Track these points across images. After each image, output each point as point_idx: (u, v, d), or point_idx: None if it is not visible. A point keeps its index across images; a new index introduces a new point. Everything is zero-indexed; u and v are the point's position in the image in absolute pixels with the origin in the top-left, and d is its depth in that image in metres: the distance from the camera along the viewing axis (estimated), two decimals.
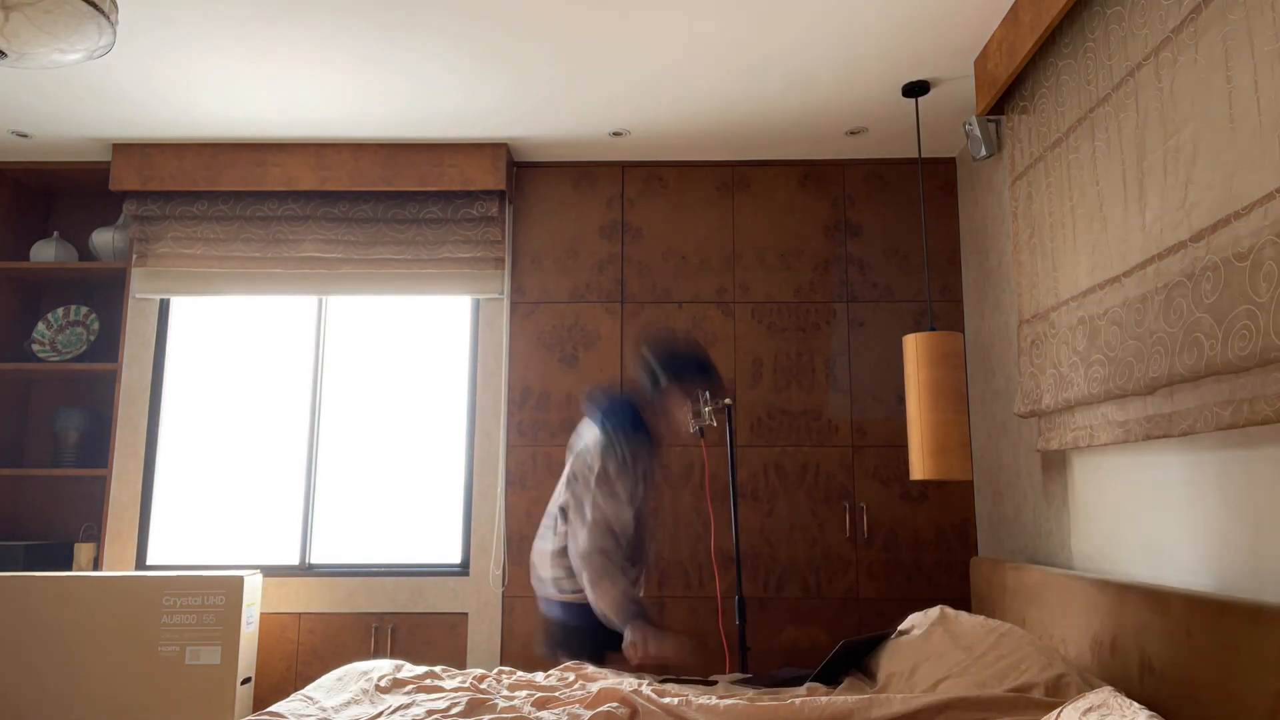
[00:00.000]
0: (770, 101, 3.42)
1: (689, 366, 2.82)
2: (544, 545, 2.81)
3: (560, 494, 2.84)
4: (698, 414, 3.05)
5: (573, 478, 2.76)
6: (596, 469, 2.68)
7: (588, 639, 2.71)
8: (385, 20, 2.87)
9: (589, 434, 2.81)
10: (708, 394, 3.14)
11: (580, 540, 2.64)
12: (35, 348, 3.90)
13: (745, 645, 2.99)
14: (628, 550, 2.71)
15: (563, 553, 2.73)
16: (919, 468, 2.93)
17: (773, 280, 3.91)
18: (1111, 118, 2.35)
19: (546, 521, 2.85)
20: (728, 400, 3.15)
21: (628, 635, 2.56)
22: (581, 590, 2.67)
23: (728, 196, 3.98)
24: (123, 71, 3.19)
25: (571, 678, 2.46)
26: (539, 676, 2.52)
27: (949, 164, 3.95)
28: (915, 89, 3.29)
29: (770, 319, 3.89)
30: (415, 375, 3.99)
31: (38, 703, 3.31)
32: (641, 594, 2.85)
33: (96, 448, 3.99)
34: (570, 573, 2.71)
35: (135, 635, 3.34)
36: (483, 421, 3.84)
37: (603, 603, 2.59)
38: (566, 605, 2.73)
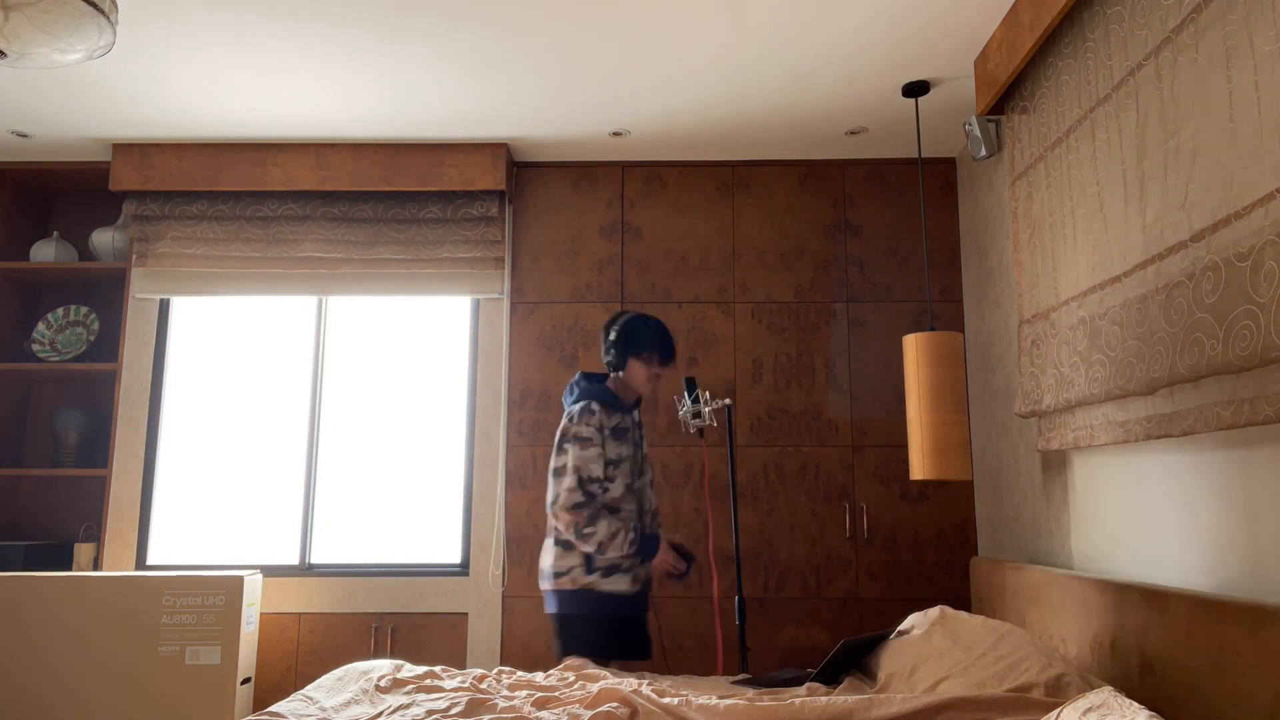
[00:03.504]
0: (770, 101, 3.42)
1: (637, 335, 2.91)
2: (546, 539, 2.91)
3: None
4: (696, 411, 3.05)
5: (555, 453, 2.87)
6: (571, 430, 2.78)
7: (585, 627, 2.74)
8: (385, 22, 2.86)
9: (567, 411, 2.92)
10: (706, 394, 3.14)
11: (553, 491, 2.76)
12: (35, 348, 3.90)
13: (745, 645, 2.99)
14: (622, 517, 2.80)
15: (555, 542, 2.82)
16: (919, 468, 2.93)
17: (773, 280, 3.91)
18: (1112, 118, 2.35)
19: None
20: (727, 400, 3.15)
21: (662, 556, 2.77)
22: (571, 572, 2.74)
23: (728, 196, 3.98)
24: (123, 71, 3.19)
25: (571, 678, 2.46)
26: (539, 676, 2.52)
27: (949, 164, 3.95)
28: (915, 89, 3.29)
29: (770, 319, 3.89)
30: (415, 375, 3.99)
31: (38, 703, 3.31)
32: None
33: (96, 448, 3.99)
34: (558, 556, 2.78)
35: (135, 635, 3.34)
36: (483, 421, 3.84)
37: (592, 544, 2.71)
38: (559, 593, 2.78)
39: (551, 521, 2.82)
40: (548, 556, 2.82)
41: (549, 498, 2.79)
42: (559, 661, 2.78)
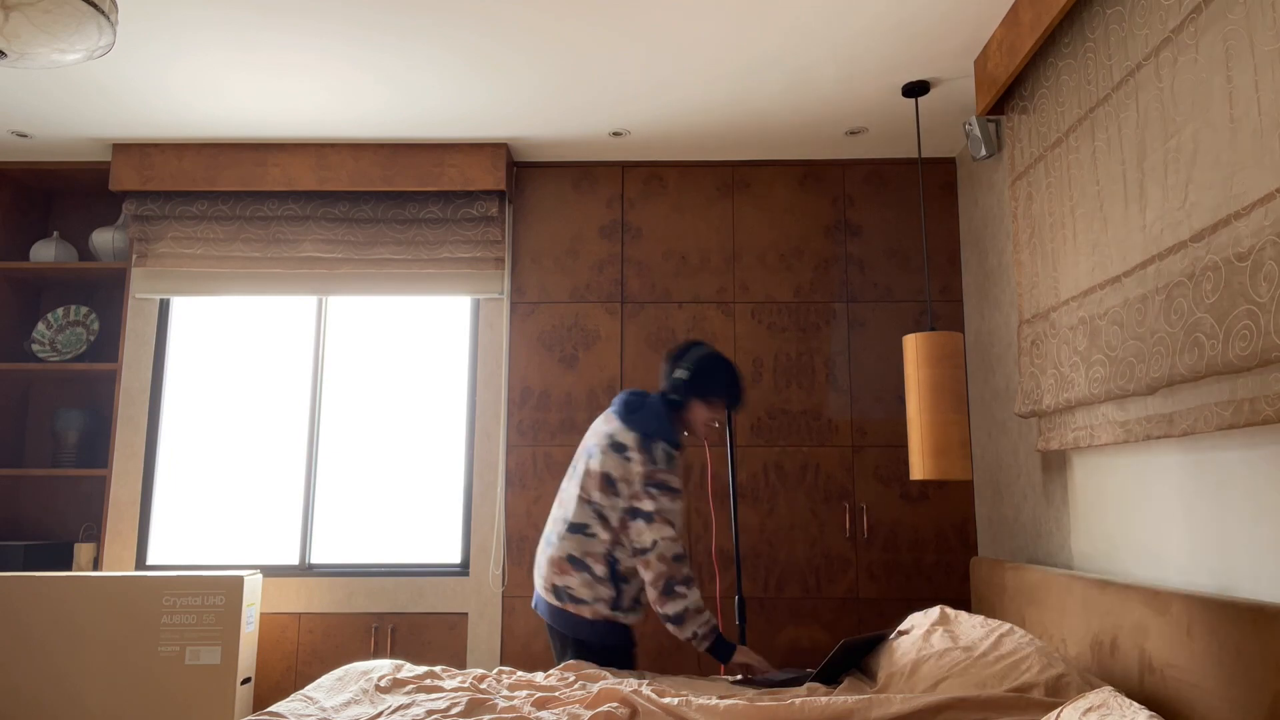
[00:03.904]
0: (770, 101, 3.42)
1: (719, 383, 2.67)
2: (554, 552, 2.62)
3: (573, 499, 2.63)
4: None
5: (606, 481, 2.57)
6: (660, 476, 2.54)
7: (593, 655, 2.59)
8: (385, 21, 2.86)
9: (612, 429, 2.63)
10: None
11: (645, 540, 2.52)
12: (35, 348, 3.90)
13: (745, 645, 2.99)
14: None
15: (576, 562, 2.57)
16: (919, 468, 2.93)
17: (773, 280, 3.91)
18: (1112, 118, 2.35)
19: (554, 527, 2.67)
20: None
21: (740, 658, 2.59)
22: (596, 604, 2.55)
23: (728, 196, 3.98)
24: (123, 71, 3.19)
25: (571, 678, 2.46)
26: (539, 676, 2.52)
27: (949, 164, 3.95)
28: (915, 89, 3.29)
29: (770, 319, 3.89)
30: (415, 375, 3.99)
31: (38, 703, 3.31)
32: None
33: (96, 448, 3.99)
34: (586, 584, 2.56)
35: (135, 635, 3.34)
36: (483, 421, 3.84)
37: (674, 606, 2.51)
38: (577, 619, 2.58)
39: (601, 549, 2.56)
40: (569, 578, 2.57)
41: (640, 539, 2.52)
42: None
